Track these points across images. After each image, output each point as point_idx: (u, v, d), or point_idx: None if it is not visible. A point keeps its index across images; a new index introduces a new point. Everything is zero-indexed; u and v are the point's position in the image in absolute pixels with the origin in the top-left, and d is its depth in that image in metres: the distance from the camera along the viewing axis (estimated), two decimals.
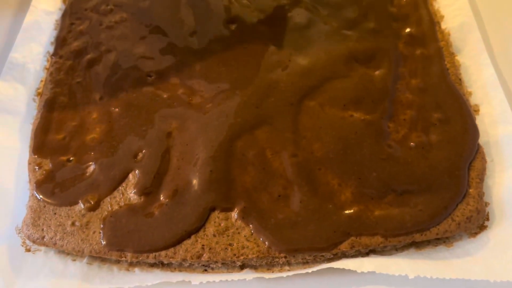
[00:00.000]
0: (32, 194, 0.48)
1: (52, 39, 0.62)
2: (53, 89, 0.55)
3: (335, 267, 0.42)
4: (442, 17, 0.59)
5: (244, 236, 0.44)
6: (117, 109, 0.52)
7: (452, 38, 0.57)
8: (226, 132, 0.49)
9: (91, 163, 0.49)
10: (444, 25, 0.58)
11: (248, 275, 0.43)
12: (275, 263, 0.44)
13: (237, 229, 0.44)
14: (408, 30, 0.57)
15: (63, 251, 0.46)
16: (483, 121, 0.50)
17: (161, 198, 0.46)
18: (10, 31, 0.63)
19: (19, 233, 0.47)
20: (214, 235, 0.44)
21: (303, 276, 0.43)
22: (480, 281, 0.41)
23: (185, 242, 0.44)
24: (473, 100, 0.52)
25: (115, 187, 0.47)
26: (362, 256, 0.44)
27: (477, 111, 0.51)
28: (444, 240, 0.45)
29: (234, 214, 0.45)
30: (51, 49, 0.61)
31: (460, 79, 0.53)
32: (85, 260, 0.46)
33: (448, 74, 0.53)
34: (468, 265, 0.42)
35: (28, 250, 0.47)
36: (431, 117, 0.49)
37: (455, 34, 0.57)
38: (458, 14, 0.59)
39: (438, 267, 0.41)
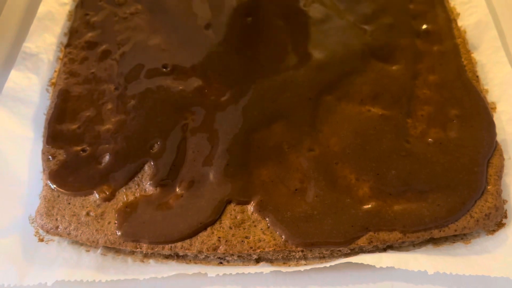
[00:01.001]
0: (46, 184, 0.48)
1: (66, 30, 0.61)
2: (67, 79, 0.55)
3: (353, 261, 0.42)
4: (458, 14, 0.59)
5: (261, 229, 0.43)
6: (132, 100, 0.52)
7: (468, 36, 0.57)
8: (242, 125, 0.49)
9: (106, 153, 0.48)
10: (460, 23, 0.58)
11: (264, 268, 0.43)
12: (291, 257, 0.44)
13: (253, 222, 0.44)
14: (425, 26, 0.56)
15: (77, 242, 0.46)
16: (500, 119, 0.50)
17: (177, 190, 0.45)
18: (23, 22, 0.63)
19: (32, 223, 0.47)
20: (230, 228, 0.43)
21: (320, 270, 0.42)
22: (500, 279, 0.40)
23: (201, 234, 0.43)
24: (490, 97, 0.52)
25: (130, 178, 0.47)
26: (380, 252, 0.43)
27: (493, 108, 0.51)
28: (461, 237, 0.44)
29: (250, 207, 0.44)
30: (65, 40, 0.60)
31: (477, 76, 0.53)
32: (99, 250, 0.45)
33: (465, 71, 0.52)
34: (487, 262, 0.41)
35: (42, 240, 0.46)
36: (448, 113, 0.49)
37: (471, 31, 0.57)
38: (474, 11, 0.58)
39: (457, 263, 0.41)
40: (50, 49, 0.59)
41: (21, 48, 0.57)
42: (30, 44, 0.58)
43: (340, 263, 0.42)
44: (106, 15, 0.60)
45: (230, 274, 0.42)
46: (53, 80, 0.57)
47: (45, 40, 0.59)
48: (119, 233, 0.43)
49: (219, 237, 0.43)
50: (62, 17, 0.62)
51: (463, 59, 0.54)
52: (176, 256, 0.45)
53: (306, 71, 0.53)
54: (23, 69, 0.56)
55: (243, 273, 0.43)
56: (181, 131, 0.49)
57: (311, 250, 0.43)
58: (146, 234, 0.43)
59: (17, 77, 0.55)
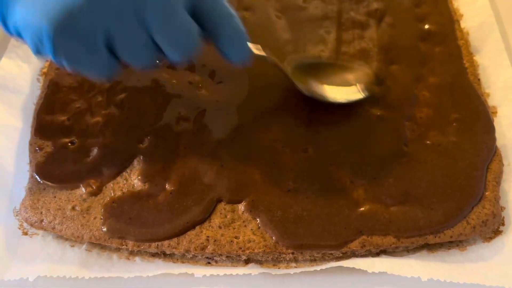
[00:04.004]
0: (32, 176, 0.46)
1: None
2: (57, 69, 0.54)
3: (344, 266, 0.40)
4: (462, 16, 0.58)
5: (251, 229, 0.42)
6: (123, 93, 0.51)
7: (471, 38, 0.56)
8: (236, 122, 0.48)
9: (94, 146, 0.47)
10: (463, 24, 0.57)
11: (253, 270, 0.42)
12: (281, 259, 0.43)
13: (243, 222, 0.42)
14: (427, 26, 0.55)
15: (61, 236, 0.44)
16: (500, 124, 0.49)
17: (166, 186, 0.44)
18: None
19: (16, 215, 0.46)
20: (220, 227, 0.42)
21: (310, 274, 0.41)
22: (495, 287, 0.39)
23: (189, 232, 0.42)
24: (491, 101, 0.51)
25: (118, 173, 0.45)
26: (372, 256, 0.42)
27: (494, 113, 0.50)
28: (457, 243, 0.43)
29: (241, 207, 0.43)
30: None
31: (478, 79, 0.51)
32: (84, 246, 0.44)
33: (466, 74, 0.51)
34: (483, 270, 0.40)
35: (25, 234, 0.45)
36: (448, 116, 0.48)
37: (474, 33, 0.56)
38: (478, 13, 0.57)
39: (452, 270, 0.40)
40: None
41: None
42: None
43: (331, 267, 0.41)
44: None
45: (218, 275, 0.41)
46: (45, 70, 0.55)
47: None
48: (105, 229, 0.42)
49: (208, 237, 0.42)
50: None
51: (465, 61, 0.52)
52: (163, 255, 0.43)
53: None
54: (14, 57, 0.55)
55: (231, 274, 0.41)
56: (173, 126, 0.48)
57: (302, 253, 0.42)
58: (133, 231, 0.42)
59: (7, 65, 0.54)
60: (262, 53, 0.44)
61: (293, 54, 0.52)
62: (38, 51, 0.35)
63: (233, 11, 0.38)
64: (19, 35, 0.35)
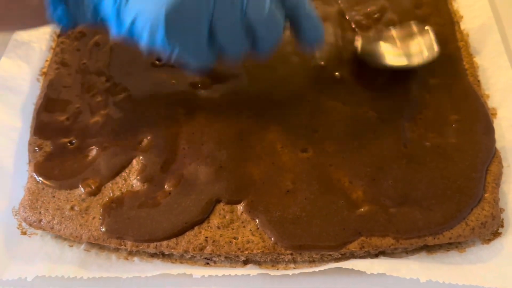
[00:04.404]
0: (31, 176, 0.46)
1: None
2: (58, 69, 0.54)
3: (343, 267, 0.40)
4: (461, 17, 0.58)
5: (250, 230, 0.42)
6: (123, 93, 0.51)
7: (470, 39, 0.56)
8: (236, 123, 0.48)
9: (93, 146, 0.47)
10: (463, 26, 0.57)
11: (252, 270, 0.41)
12: (280, 260, 0.43)
13: (242, 222, 0.42)
14: (427, 28, 0.55)
15: (60, 236, 0.44)
16: (500, 125, 0.49)
17: (165, 187, 0.44)
18: None
19: (15, 215, 0.46)
20: (219, 228, 0.42)
21: (309, 275, 0.41)
22: None
23: (188, 233, 0.42)
24: (491, 103, 0.51)
25: (117, 173, 0.45)
26: (371, 258, 0.42)
27: (494, 114, 0.50)
28: (456, 245, 0.43)
29: (240, 207, 0.43)
30: (58, 30, 0.59)
31: (478, 81, 0.51)
32: (82, 246, 0.44)
33: (466, 75, 0.51)
34: (482, 272, 0.40)
35: (24, 233, 0.45)
36: (448, 117, 0.48)
37: (474, 35, 0.56)
38: (478, 15, 0.57)
39: (451, 272, 0.40)
40: (43, 38, 0.58)
41: (12, 35, 0.56)
42: (21, 32, 0.56)
43: (330, 268, 0.41)
44: None
45: (216, 275, 0.41)
46: (44, 70, 0.55)
47: (38, 29, 0.58)
48: (103, 229, 0.42)
49: (207, 237, 0.42)
50: None
51: (464, 63, 0.52)
52: (161, 255, 0.43)
53: (304, 71, 0.51)
54: (14, 57, 0.55)
55: (230, 275, 0.41)
56: (172, 127, 0.48)
57: (300, 254, 0.42)
58: (131, 231, 0.42)
59: (7, 65, 0.54)
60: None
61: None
62: (152, 41, 0.37)
63: None
64: (130, 31, 0.38)
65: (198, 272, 0.41)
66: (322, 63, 0.52)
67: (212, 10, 0.36)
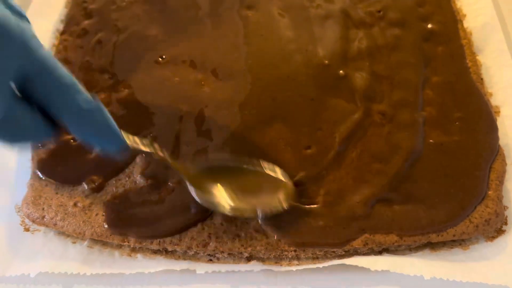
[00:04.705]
0: (34, 172, 0.46)
1: (62, 17, 0.60)
2: None
3: (347, 263, 0.40)
4: (464, 16, 0.58)
5: (253, 227, 0.42)
6: (126, 90, 0.51)
7: (474, 38, 0.55)
8: (238, 121, 0.48)
9: None
10: (466, 24, 0.57)
11: (255, 266, 0.41)
12: (283, 256, 0.42)
13: (245, 219, 0.42)
14: (430, 26, 0.55)
15: (63, 233, 0.44)
16: (503, 123, 0.49)
17: (169, 184, 0.44)
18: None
19: (18, 211, 0.46)
20: (222, 224, 0.42)
21: (312, 271, 0.41)
22: (497, 286, 0.39)
23: (191, 229, 0.42)
24: (494, 101, 0.51)
25: (121, 169, 0.45)
26: (375, 255, 0.42)
27: (497, 112, 0.50)
28: (460, 242, 0.43)
29: None
30: (60, 27, 0.59)
31: (481, 79, 0.51)
32: (85, 243, 0.44)
33: (469, 73, 0.51)
34: (485, 269, 0.40)
35: (27, 230, 0.45)
36: (451, 115, 0.47)
37: (477, 34, 0.56)
38: (481, 14, 0.57)
39: (455, 269, 0.40)
40: (46, 35, 0.58)
41: None
42: None
43: (334, 265, 0.41)
44: (104, 3, 0.59)
45: (220, 271, 0.41)
46: None
47: (41, 26, 0.58)
48: (107, 226, 0.42)
49: (210, 234, 0.42)
50: (59, 3, 0.61)
51: (468, 61, 0.52)
52: (164, 252, 0.43)
53: (308, 69, 0.51)
54: None
55: (233, 271, 0.41)
56: (175, 124, 0.48)
57: (304, 251, 0.41)
58: (135, 227, 0.42)
59: None
60: (145, 147, 0.37)
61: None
62: None
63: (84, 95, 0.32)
64: None
65: (202, 268, 0.41)
66: (326, 61, 0.52)
67: None
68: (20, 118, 0.30)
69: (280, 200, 0.40)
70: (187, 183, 0.40)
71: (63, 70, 0.31)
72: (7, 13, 0.28)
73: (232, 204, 0.40)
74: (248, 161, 0.43)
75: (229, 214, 0.40)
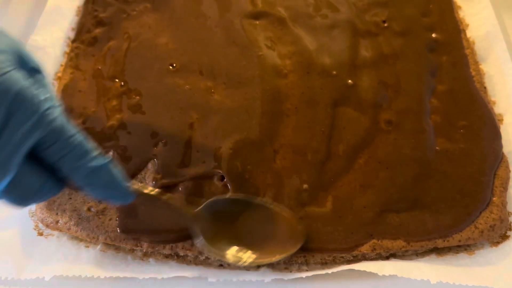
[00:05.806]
0: None
1: (73, 25, 0.61)
2: (72, 74, 0.55)
3: (355, 269, 0.41)
4: (467, 25, 0.59)
5: None
6: (137, 97, 0.52)
7: (476, 47, 0.57)
8: (248, 129, 0.48)
9: (109, 150, 0.48)
10: (469, 34, 0.58)
11: (266, 276, 0.42)
12: (293, 262, 0.43)
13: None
14: (434, 35, 0.56)
15: (76, 237, 0.45)
16: (506, 131, 0.50)
17: (180, 189, 0.45)
18: (32, 15, 0.63)
19: (32, 216, 0.47)
20: None
21: (322, 277, 0.42)
22: None
23: None
24: (497, 109, 0.52)
25: (133, 175, 0.46)
26: (382, 260, 0.43)
27: (500, 120, 0.51)
28: (465, 247, 0.44)
29: None
30: (72, 35, 0.60)
31: (485, 87, 0.53)
32: (98, 247, 0.45)
33: (473, 82, 0.52)
34: (490, 274, 0.41)
35: (41, 234, 0.46)
36: (456, 123, 0.49)
37: (480, 43, 0.57)
38: (483, 23, 0.58)
39: (460, 274, 0.41)
40: (57, 43, 0.59)
41: (28, 41, 0.57)
42: (37, 37, 0.58)
43: (342, 270, 0.42)
44: (115, 12, 0.60)
45: (231, 280, 0.42)
46: (59, 74, 0.56)
47: (53, 34, 0.59)
48: (120, 230, 0.43)
49: None
50: (71, 12, 0.62)
51: (471, 70, 0.53)
52: (176, 256, 0.44)
53: (317, 78, 0.52)
54: None
55: (244, 280, 0.42)
56: (187, 131, 0.49)
57: (313, 256, 0.42)
58: (147, 232, 0.43)
59: None
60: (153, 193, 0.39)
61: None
62: None
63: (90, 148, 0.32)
64: None
65: (213, 275, 0.42)
66: (334, 72, 0.52)
67: None
68: (29, 182, 0.30)
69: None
70: (200, 237, 0.40)
71: (75, 131, 0.31)
72: (25, 85, 0.28)
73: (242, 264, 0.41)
74: (256, 197, 0.44)
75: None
